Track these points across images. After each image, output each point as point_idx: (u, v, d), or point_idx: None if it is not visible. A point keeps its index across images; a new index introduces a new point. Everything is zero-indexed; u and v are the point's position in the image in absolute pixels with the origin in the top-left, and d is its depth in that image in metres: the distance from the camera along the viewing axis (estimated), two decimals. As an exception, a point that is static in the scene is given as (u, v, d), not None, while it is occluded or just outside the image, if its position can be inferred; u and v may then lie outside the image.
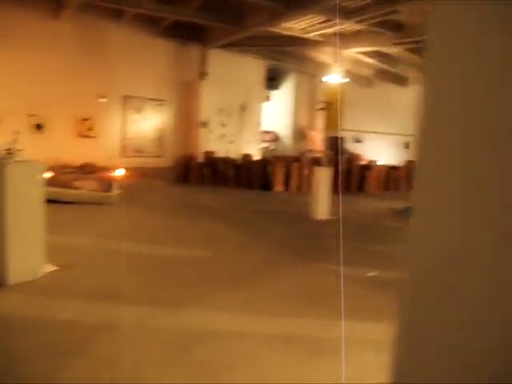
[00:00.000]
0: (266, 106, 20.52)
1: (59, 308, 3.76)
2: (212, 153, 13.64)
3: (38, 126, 13.62)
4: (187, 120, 16.68)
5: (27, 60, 13.28)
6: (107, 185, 9.14)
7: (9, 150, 4.20)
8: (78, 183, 8.73)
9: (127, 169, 13.74)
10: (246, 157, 13.18)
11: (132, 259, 5.23)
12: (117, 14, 13.97)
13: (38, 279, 4.30)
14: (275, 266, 5.40)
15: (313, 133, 22.42)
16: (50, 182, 8.40)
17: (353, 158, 14.01)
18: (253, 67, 18.79)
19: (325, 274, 5.16)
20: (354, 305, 4.10)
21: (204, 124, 16.95)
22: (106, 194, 8.62)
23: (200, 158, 14.10)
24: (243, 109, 18.71)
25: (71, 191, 8.36)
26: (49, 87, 13.59)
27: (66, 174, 10.67)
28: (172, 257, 5.55)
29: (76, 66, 13.89)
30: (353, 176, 13.48)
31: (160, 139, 16.19)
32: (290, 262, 5.61)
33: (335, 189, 9.54)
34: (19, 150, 4.31)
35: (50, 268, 4.56)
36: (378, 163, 14.63)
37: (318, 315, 3.88)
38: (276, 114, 21.99)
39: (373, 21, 12.06)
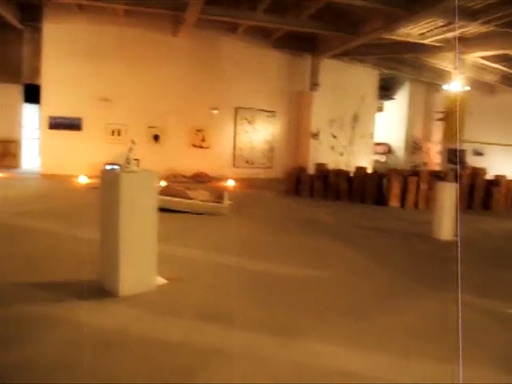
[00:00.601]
0: (378, 117, 19.66)
1: (168, 327, 3.57)
2: (324, 165, 13.19)
3: (156, 137, 14.21)
4: (298, 131, 16.46)
5: (148, 75, 13.97)
6: (219, 195, 9.11)
7: (126, 159, 4.15)
8: (190, 193, 8.78)
9: (237, 179, 13.81)
10: (360, 169, 12.53)
11: (242, 275, 4.96)
12: (231, 28, 14.21)
13: (148, 293, 4.18)
14: (396, 293, 4.81)
15: (429, 145, 21.06)
16: (164, 191, 8.55)
17: (476, 173, 12.69)
18: (365, 77, 18.11)
19: (454, 305, 4.46)
20: (493, 349, 3.41)
21: (314, 135, 16.60)
22: (218, 204, 8.55)
23: (311, 170, 13.73)
24: (355, 120, 18.08)
25: (184, 201, 8.40)
26: (166, 100, 14.16)
27: (179, 183, 10.91)
28: (284, 275, 5.19)
29: (191, 79, 14.35)
30: (476, 192, 12.20)
31: (270, 150, 16.12)
32: (412, 289, 4.98)
33: (457, 206, 8.60)
34: (136, 160, 4.24)
35: (160, 281, 4.44)
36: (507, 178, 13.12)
37: (448, 359, 3.26)
38: (389, 125, 21.00)
39: (501, 21, 10.88)
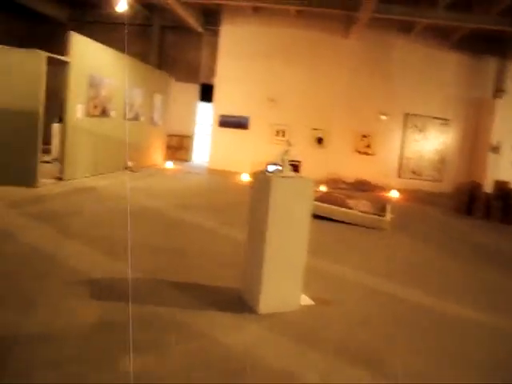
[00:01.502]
0: None
1: (306, 362, 3.06)
2: (505, 183, 11.44)
3: (319, 140, 13.87)
4: (474, 142, 14.64)
5: (314, 76, 13.69)
6: (380, 207, 8.34)
7: (280, 162, 3.78)
8: (350, 202, 8.18)
9: (401, 190, 12.77)
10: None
11: (401, 308, 4.25)
12: (405, 27, 13.16)
13: (290, 313, 3.74)
14: None
15: None
16: (322, 197, 8.10)
17: None
18: None
19: None
20: None
21: (495, 149, 14.59)
22: (379, 217, 7.80)
23: (487, 188, 12.04)
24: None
25: (342, 210, 7.85)
26: (332, 102, 13.72)
27: (339, 190, 10.36)
28: (457, 318, 4.26)
29: (359, 82, 13.65)
30: None
31: (441, 162, 14.61)
32: None
33: None
34: (297, 162, 3.84)
35: (305, 301, 3.97)
36: None
37: None
38: None
39: None
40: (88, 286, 3.88)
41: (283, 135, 13.77)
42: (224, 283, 4.29)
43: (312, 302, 3.99)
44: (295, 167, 4.08)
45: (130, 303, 3.41)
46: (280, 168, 3.80)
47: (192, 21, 13.94)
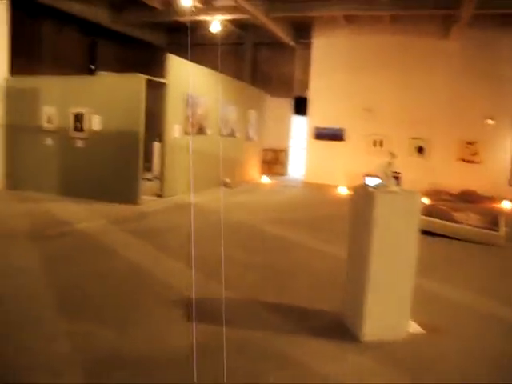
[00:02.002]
0: None
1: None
2: None
3: (419, 149, 13.12)
4: None
5: (411, 82, 13.02)
6: (492, 220, 7.57)
7: (384, 176, 3.48)
8: (457, 215, 7.52)
9: (515, 201, 11.63)
10: None
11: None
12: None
13: (397, 343, 3.37)
14: None
15: None
16: (426, 211, 7.54)
17: None
18: None
19: None
20: None
21: None
22: (491, 232, 7.08)
23: None
24: None
25: (449, 224, 7.24)
26: (431, 109, 12.92)
27: (443, 202, 9.64)
28: None
29: (460, 85, 12.70)
30: None
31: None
32: None
33: None
34: (397, 173, 3.52)
35: (414, 328, 3.59)
36: None
37: None
38: None
39: None
40: (183, 306, 3.83)
41: (381, 145, 13.23)
42: (322, 305, 4.03)
43: (422, 330, 3.59)
44: (396, 179, 3.73)
45: (224, 327, 3.29)
46: (381, 181, 3.51)
47: (284, 35, 13.98)
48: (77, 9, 13.09)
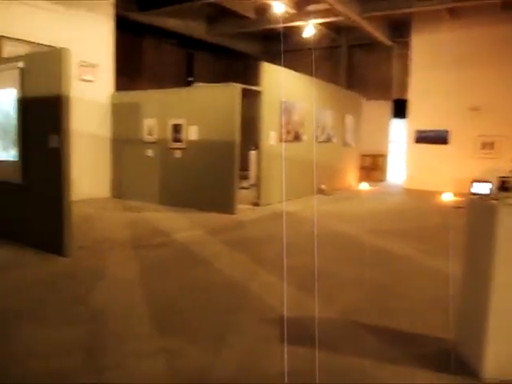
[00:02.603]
0: None
1: None
2: None
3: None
4: None
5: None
6: None
7: (500, 185, 3.01)
8: None
9: None
10: None
11: None
12: None
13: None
14: None
15: None
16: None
17: None
18: None
19: None
20: None
21: None
22: None
23: None
24: None
25: None
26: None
27: None
28: None
29: None
30: None
31: None
32: None
33: None
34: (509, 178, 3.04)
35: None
36: None
37: None
38: None
39: None
40: (277, 325, 3.61)
41: (491, 148, 12.13)
42: (431, 330, 3.59)
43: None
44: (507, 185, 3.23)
45: (320, 351, 3.02)
46: (492, 188, 3.04)
47: (379, 35, 13.41)
48: (174, 24, 13.60)
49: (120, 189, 10.09)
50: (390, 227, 7.84)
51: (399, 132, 15.04)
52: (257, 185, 9.40)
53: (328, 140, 11.87)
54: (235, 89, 8.29)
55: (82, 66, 9.44)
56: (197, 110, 8.72)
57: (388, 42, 14.23)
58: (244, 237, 6.87)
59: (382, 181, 14.82)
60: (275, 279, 4.81)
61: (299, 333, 3.49)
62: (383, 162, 15.20)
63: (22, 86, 5.73)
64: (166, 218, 8.04)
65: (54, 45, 7.72)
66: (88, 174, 9.59)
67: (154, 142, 9.35)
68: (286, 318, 3.55)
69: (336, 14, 12.01)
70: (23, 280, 4.68)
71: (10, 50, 7.97)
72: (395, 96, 14.83)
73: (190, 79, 15.11)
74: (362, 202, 11.04)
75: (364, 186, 13.08)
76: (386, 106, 15.04)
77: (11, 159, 5.99)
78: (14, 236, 6.08)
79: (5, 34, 8.09)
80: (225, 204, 8.37)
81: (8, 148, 6.03)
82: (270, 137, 9.25)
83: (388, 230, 7.53)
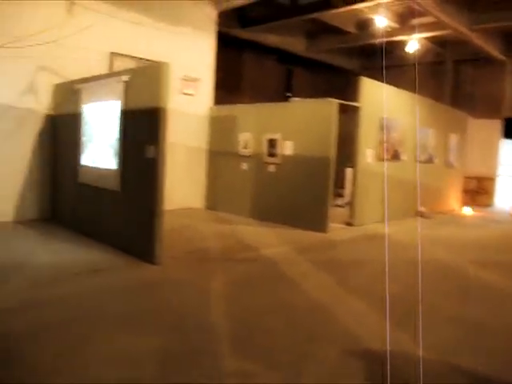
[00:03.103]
0: None
1: None
2: None
3: None
4: None
5: None
6: None
7: None
8: None
9: None
10: None
11: None
12: None
13: None
14: None
15: None
16: None
17: None
18: None
19: None
20: None
21: None
22: None
23: None
24: None
25: None
26: None
27: None
28: None
29: None
30: None
31: None
32: None
33: None
34: None
35: None
36: None
37: None
38: None
39: None
40: (364, 361, 3.29)
41: None
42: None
43: None
44: None
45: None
46: None
47: (491, 49, 12.49)
48: (274, 40, 13.72)
49: (213, 200, 10.24)
50: (497, 259, 7.10)
51: (511, 153, 13.85)
52: (351, 203, 9.05)
53: (429, 160, 11.18)
54: (332, 104, 8.07)
55: (184, 80, 9.76)
56: (292, 125, 8.60)
57: (500, 57, 13.22)
58: (334, 258, 6.57)
59: (488, 206, 13.67)
60: (364, 307, 4.47)
61: (391, 374, 3.15)
62: (490, 186, 14.03)
63: (125, 98, 5.98)
64: (256, 232, 7.96)
65: (158, 60, 8.05)
66: (183, 184, 9.86)
67: (248, 156, 9.36)
68: (388, 354, 3.20)
69: (443, 28, 11.38)
70: (112, 284, 4.80)
71: (119, 64, 8.43)
72: (507, 114, 13.70)
73: (288, 94, 15.11)
74: (466, 227, 10.21)
75: (467, 211, 12.13)
76: (496, 125, 13.92)
77: (111, 168, 6.26)
78: (109, 240, 6.33)
79: (115, 51, 8.58)
80: (317, 222, 8.12)
81: (109, 157, 6.31)
82: (367, 154, 8.87)
83: (495, 262, 6.81)
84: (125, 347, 3.32)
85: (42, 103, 7.90)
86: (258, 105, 9.59)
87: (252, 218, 9.11)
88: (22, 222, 7.77)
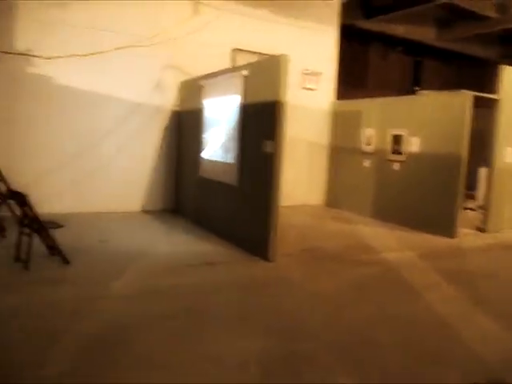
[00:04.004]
0: None
1: None
2: None
3: None
4: None
5: None
6: None
7: None
8: None
9: None
10: None
11: None
12: None
13: None
14: None
15: None
16: None
17: None
18: None
19: None
20: None
21: None
22: None
23: None
24: None
25: None
26: None
27: None
28: None
29: None
30: None
31: None
32: None
33: None
34: None
35: None
36: None
37: None
38: None
39: None
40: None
41: None
42: None
43: None
44: None
45: None
46: None
47: None
48: (400, 30, 12.94)
49: (333, 197, 9.99)
50: None
51: None
52: (485, 207, 8.16)
53: None
54: (466, 97, 7.32)
55: (305, 74, 9.60)
56: (420, 120, 7.99)
57: None
58: (463, 267, 5.95)
59: None
60: (495, 327, 3.93)
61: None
62: None
63: (245, 93, 5.98)
64: (376, 233, 7.55)
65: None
66: (303, 180, 9.75)
67: (371, 153, 8.92)
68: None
69: None
70: (223, 280, 4.84)
71: (241, 60, 8.52)
72: None
73: (416, 88, 14.20)
74: None
75: None
76: None
77: (229, 161, 6.31)
78: (224, 234, 6.42)
79: (237, 47, 8.71)
80: (443, 225, 7.45)
81: (227, 151, 6.37)
82: (507, 153, 7.93)
83: None
84: (231, 347, 3.28)
85: (168, 100, 8.28)
86: (382, 99, 9.07)
87: (372, 218, 8.69)
88: (148, 212, 8.23)
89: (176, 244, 6.19)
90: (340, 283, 4.90)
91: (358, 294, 4.61)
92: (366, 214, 8.93)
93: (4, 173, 6.16)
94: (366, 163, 9.07)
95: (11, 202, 5.43)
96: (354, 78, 13.68)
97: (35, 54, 6.80)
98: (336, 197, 9.90)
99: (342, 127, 9.78)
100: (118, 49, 7.42)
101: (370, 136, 8.97)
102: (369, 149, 8.99)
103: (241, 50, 8.75)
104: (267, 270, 5.19)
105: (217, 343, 3.32)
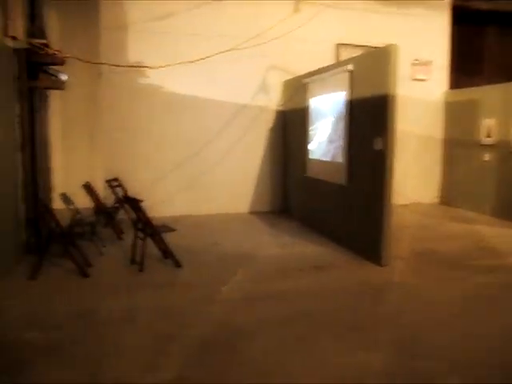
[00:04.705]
0: None
1: None
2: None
3: None
4: None
5: None
6: None
7: None
8: None
9: None
10: None
11: None
12: None
13: None
14: None
15: None
16: None
17: None
18: None
19: None
20: None
21: None
22: None
23: None
24: None
25: None
26: None
27: None
28: None
29: None
30: None
31: None
32: None
33: None
34: None
35: None
36: None
37: None
38: None
39: None
40: None
41: None
42: None
43: None
44: None
45: None
46: None
47: None
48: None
49: (449, 195, 9.28)
50: None
51: None
52: None
53: None
54: None
55: (414, 64, 9.03)
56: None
57: None
58: None
59: None
60: None
61: None
62: None
63: (351, 88, 5.72)
64: (500, 234, 6.84)
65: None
66: (414, 177, 9.18)
67: (492, 145, 8.12)
68: None
69: None
70: (334, 285, 4.65)
71: (345, 55, 8.21)
72: None
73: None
74: None
75: None
76: None
77: (338, 161, 6.07)
78: (333, 236, 6.21)
79: (341, 42, 8.43)
80: None
81: (335, 149, 6.14)
82: None
83: None
84: (351, 359, 3.09)
85: (272, 100, 8.23)
86: (504, 85, 8.18)
87: (494, 217, 7.91)
88: (256, 213, 8.26)
89: (284, 246, 6.11)
90: (458, 292, 4.43)
91: (480, 306, 4.12)
92: (486, 212, 8.15)
93: (122, 180, 6.50)
94: (486, 157, 8.27)
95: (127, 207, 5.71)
96: (468, 64, 12.61)
97: (145, 64, 7.10)
98: (451, 194, 9.18)
99: (457, 118, 9.04)
100: (222, 52, 7.51)
101: (490, 127, 8.17)
102: (489, 141, 8.19)
103: (345, 44, 8.45)
104: (380, 275, 4.89)
105: (336, 353, 3.15)
